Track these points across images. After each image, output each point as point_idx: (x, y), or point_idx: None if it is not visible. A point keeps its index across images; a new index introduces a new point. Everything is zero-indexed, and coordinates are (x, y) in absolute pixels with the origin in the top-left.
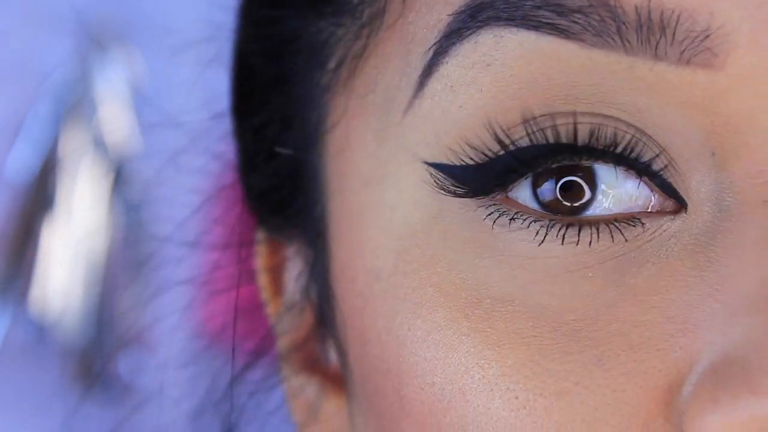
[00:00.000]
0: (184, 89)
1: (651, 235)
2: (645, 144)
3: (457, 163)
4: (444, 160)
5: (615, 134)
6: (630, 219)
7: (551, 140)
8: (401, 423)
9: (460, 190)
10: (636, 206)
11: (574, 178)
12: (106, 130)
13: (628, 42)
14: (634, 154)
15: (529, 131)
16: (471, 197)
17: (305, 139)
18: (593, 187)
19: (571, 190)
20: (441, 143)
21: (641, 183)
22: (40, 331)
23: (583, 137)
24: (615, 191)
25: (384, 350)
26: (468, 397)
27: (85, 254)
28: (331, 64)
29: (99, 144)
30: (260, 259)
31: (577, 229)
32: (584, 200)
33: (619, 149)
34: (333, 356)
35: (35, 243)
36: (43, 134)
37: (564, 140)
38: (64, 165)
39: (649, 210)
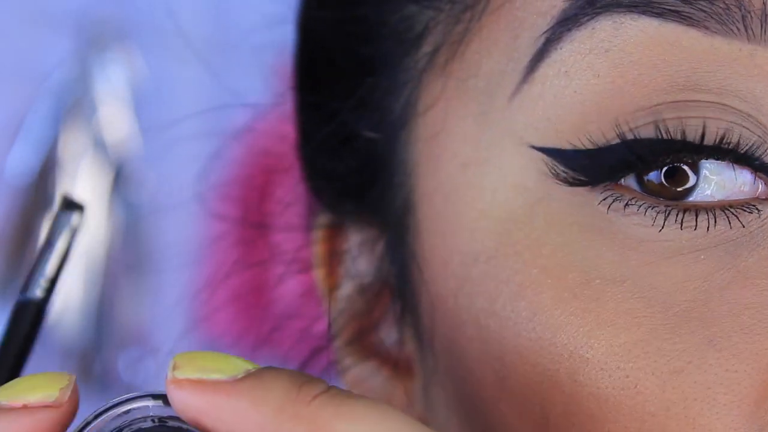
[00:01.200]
0: (184, 89)
1: (763, 220)
2: (762, 141)
3: (568, 148)
4: (554, 145)
5: (740, 138)
6: (745, 205)
7: (677, 137)
8: (502, 404)
9: (569, 175)
10: (741, 193)
11: (679, 164)
12: (106, 130)
13: (752, 30)
14: (756, 155)
15: (657, 121)
16: (579, 186)
17: (391, 123)
18: (696, 174)
19: (674, 177)
20: (552, 128)
21: (756, 178)
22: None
23: (710, 138)
24: (717, 177)
25: (483, 332)
26: (576, 377)
27: (85, 254)
28: (426, 48)
29: (99, 144)
30: (320, 244)
31: (693, 214)
32: (688, 185)
33: (741, 151)
34: (401, 342)
35: (35, 243)
36: (43, 134)
37: (690, 138)
38: (64, 165)
39: (757, 196)
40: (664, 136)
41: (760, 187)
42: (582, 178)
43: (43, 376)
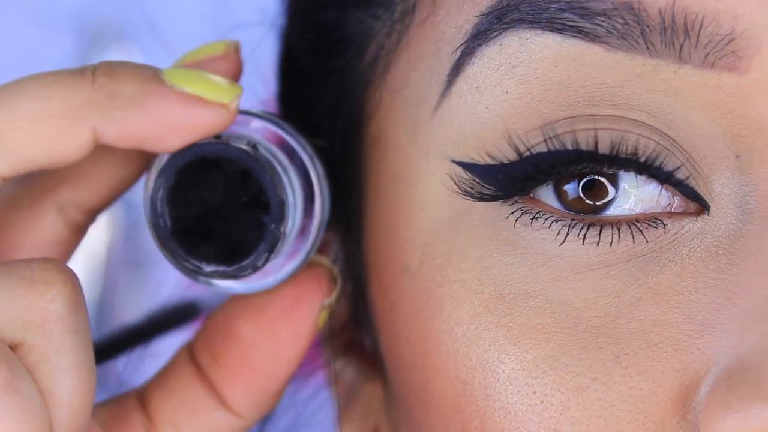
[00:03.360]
0: None
1: (673, 236)
2: (668, 152)
3: (482, 162)
4: (469, 159)
5: (637, 144)
6: (651, 219)
7: (570, 147)
8: (428, 416)
9: (484, 193)
10: (658, 206)
11: (597, 177)
12: None
13: (653, 45)
14: (657, 164)
15: (547, 138)
16: (493, 201)
17: (347, 128)
18: (615, 187)
19: (593, 189)
20: (467, 142)
21: (663, 189)
22: None
23: (604, 146)
24: (637, 191)
25: (411, 344)
26: (488, 392)
27: (85, 254)
28: (368, 57)
29: None
30: None
31: (598, 229)
32: (607, 199)
33: (641, 159)
34: (369, 342)
35: None
36: None
37: (584, 147)
38: None
39: (671, 211)
40: (557, 147)
41: (675, 201)
42: (494, 193)
43: (215, 77)
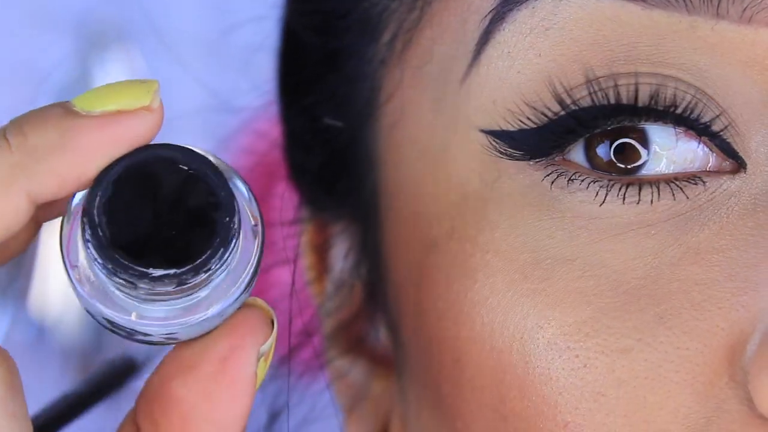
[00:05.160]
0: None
1: (711, 194)
2: (705, 105)
3: (515, 128)
4: (501, 126)
5: (675, 95)
6: (690, 178)
7: (612, 100)
8: (461, 391)
9: (516, 153)
10: (692, 167)
11: (628, 140)
12: None
13: (690, 1)
14: (694, 115)
15: (591, 91)
16: (527, 160)
17: (357, 114)
18: (647, 149)
19: (623, 153)
20: (498, 109)
21: (700, 143)
22: (40, 331)
23: (643, 98)
24: (668, 152)
25: (441, 318)
26: (528, 359)
27: None
28: (385, 38)
29: None
30: (305, 238)
31: (637, 188)
32: (639, 162)
33: (679, 110)
34: (380, 336)
35: (35, 243)
36: None
37: (624, 101)
38: None
39: (708, 170)
40: (599, 101)
41: (711, 160)
42: (529, 155)
43: (123, 83)
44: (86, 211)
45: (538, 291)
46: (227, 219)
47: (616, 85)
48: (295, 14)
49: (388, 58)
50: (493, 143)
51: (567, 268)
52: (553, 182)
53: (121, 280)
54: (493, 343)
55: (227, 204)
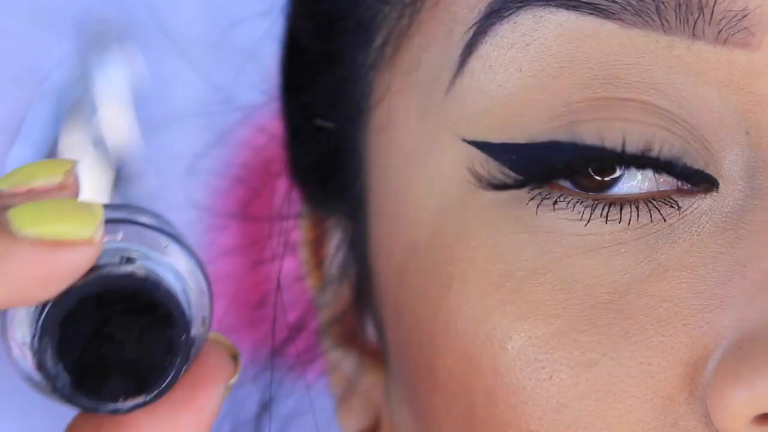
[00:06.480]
0: (184, 89)
1: (683, 212)
2: (679, 139)
3: (497, 141)
4: (483, 138)
5: (662, 147)
6: (666, 198)
7: (587, 142)
8: (434, 395)
9: (497, 180)
10: (665, 183)
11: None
12: (106, 130)
13: (667, 21)
14: (679, 164)
15: (575, 128)
16: (508, 189)
17: (349, 115)
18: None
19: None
20: (480, 121)
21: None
22: None
23: (630, 149)
24: (642, 170)
25: (418, 323)
26: (497, 368)
27: None
28: (377, 42)
29: (99, 144)
30: (302, 232)
31: (618, 207)
32: (615, 175)
33: (663, 160)
34: (371, 331)
35: None
36: (43, 134)
37: (609, 146)
38: None
39: (679, 187)
40: (586, 142)
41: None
42: (508, 179)
43: (42, 163)
44: (40, 365)
45: (510, 302)
46: (184, 336)
47: (602, 139)
48: (294, 14)
49: (379, 62)
50: (476, 156)
51: (539, 281)
52: (538, 206)
53: (80, 407)
54: (464, 351)
55: (180, 319)
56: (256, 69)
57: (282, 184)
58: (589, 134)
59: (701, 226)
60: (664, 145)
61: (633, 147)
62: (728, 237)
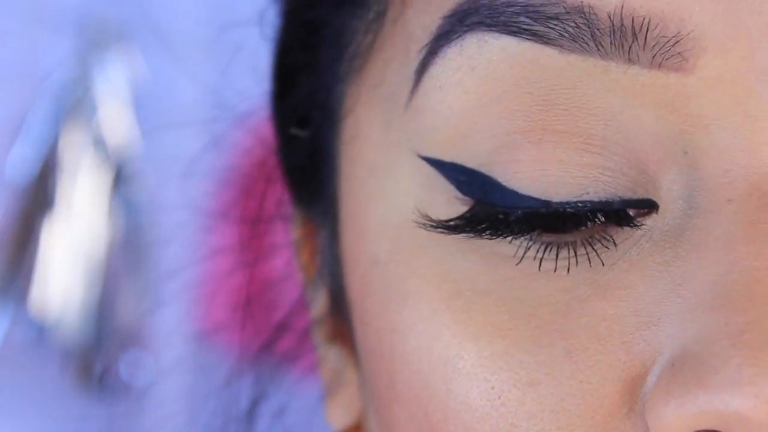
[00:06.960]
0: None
1: (625, 235)
2: (629, 181)
3: (448, 160)
4: (436, 156)
5: (596, 189)
6: (603, 240)
7: (531, 195)
8: (394, 406)
9: (440, 223)
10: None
11: None
12: (106, 130)
13: (603, 47)
14: (616, 201)
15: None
16: (450, 233)
17: (325, 124)
18: None
19: None
20: (433, 139)
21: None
22: (40, 331)
23: (567, 198)
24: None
25: (379, 335)
26: (450, 386)
27: (85, 254)
28: (348, 55)
29: (99, 144)
30: (293, 230)
31: (554, 254)
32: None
33: (600, 200)
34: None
35: (35, 243)
36: (43, 134)
37: (542, 198)
38: (64, 165)
39: (619, 220)
40: (522, 191)
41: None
42: (451, 222)
43: None
44: None
45: (459, 322)
46: None
47: (538, 191)
48: (281, 22)
49: (350, 74)
50: (429, 174)
51: (485, 302)
52: (481, 234)
53: None
54: (420, 366)
55: None
56: (254, 71)
57: (275, 186)
58: (526, 182)
59: (641, 246)
60: (599, 186)
61: (569, 195)
62: (666, 256)
